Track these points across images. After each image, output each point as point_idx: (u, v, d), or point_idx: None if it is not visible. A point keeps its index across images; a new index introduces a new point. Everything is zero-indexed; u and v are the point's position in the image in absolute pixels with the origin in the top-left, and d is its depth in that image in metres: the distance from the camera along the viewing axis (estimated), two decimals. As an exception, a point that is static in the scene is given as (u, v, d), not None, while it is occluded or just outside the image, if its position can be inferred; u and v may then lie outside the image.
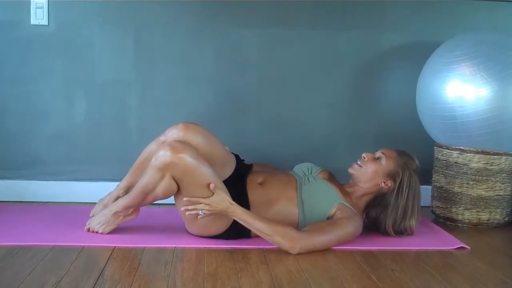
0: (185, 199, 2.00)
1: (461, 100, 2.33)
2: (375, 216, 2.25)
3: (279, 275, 1.80)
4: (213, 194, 1.99)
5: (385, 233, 2.23)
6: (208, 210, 1.99)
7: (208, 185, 1.98)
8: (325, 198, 2.16)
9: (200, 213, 1.99)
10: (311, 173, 2.31)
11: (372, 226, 2.27)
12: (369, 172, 2.21)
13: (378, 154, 2.25)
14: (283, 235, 1.98)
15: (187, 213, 2.01)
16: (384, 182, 2.20)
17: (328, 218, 2.13)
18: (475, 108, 2.30)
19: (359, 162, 2.24)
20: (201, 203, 1.98)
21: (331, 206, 2.13)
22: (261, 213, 2.09)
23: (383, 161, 2.21)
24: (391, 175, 2.20)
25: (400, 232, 2.23)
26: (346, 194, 2.22)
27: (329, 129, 2.75)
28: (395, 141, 2.61)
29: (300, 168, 2.35)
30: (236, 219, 2.02)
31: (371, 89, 2.76)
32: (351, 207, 2.15)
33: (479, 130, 2.33)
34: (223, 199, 1.98)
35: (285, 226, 2.00)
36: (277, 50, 2.69)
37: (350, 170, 2.24)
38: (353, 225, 2.08)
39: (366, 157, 2.23)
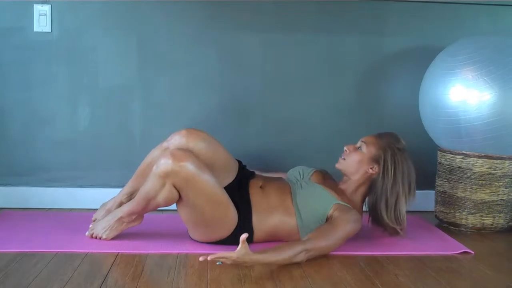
0: (211, 258, 1.78)
1: (464, 105, 2.33)
2: (372, 206, 2.24)
3: (282, 281, 1.80)
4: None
5: (383, 224, 2.20)
6: (232, 262, 1.81)
7: (212, 195, 1.99)
8: (320, 201, 2.14)
9: (218, 262, 1.86)
10: (302, 177, 2.31)
11: (374, 218, 2.26)
12: (353, 163, 2.22)
13: (359, 143, 2.26)
14: (295, 255, 1.91)
15: (201, 258, 1.80)
16: (370, 168, 2.21)
17: (327, 220, 2.11)
18: (478, 113, 2.30)
19: (343, 156, 2.26)
20: (226, 257, 1.79)
21: (327, 208, 2.12)
22: (263, 219, 2.10)
23: (364, 148, 2.22)
24: (375, 159, 2.20)
25: (396, 218, 2.17)
26: (340, 193, 2.22)
27: (332, 132, 2.75)
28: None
29: (292, 174, 2.35)
30: (257, 265, 1.91)
31: (374, 93, 2.76)
32: (347, 204, 2.15)
33: (483, 135, 2.33)
34: (247, 253, 1.81)
35: (292, 247, 1.93)
36: (280, 54, 2.69)
37: (337, 166, 2.26)
38: (351, 221, 2.06)
39: (348, 150, 2.25)
